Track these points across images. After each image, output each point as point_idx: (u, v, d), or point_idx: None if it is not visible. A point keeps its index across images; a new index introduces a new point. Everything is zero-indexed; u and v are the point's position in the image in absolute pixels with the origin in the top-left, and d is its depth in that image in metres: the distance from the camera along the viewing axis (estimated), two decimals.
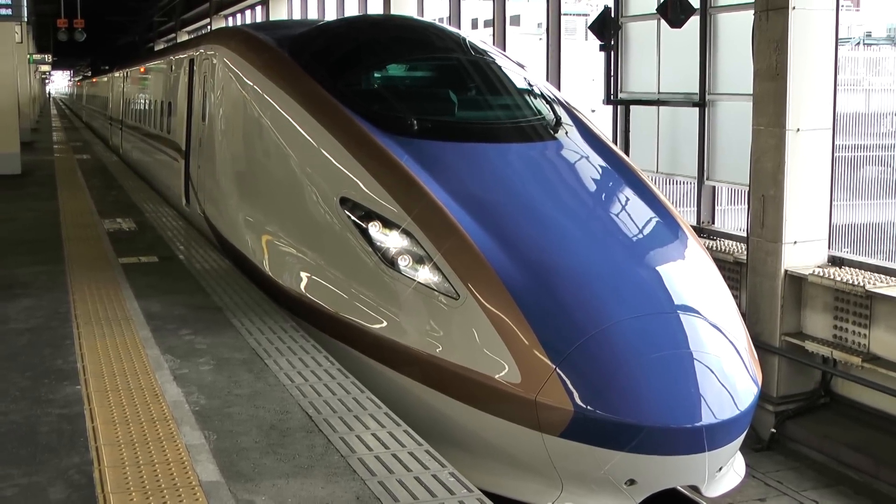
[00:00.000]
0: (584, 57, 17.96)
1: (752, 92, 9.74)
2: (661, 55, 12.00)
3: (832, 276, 9.09)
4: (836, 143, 9.71)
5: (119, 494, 3.87)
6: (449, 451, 4.88)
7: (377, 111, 7.15)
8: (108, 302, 7.00)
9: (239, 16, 33.91)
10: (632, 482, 5.23)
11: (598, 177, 7.20)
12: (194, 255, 8.69)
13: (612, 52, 12.56)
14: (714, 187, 11.44)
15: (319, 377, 5.35)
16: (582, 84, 16.96)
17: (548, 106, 7.73)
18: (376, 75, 8.06)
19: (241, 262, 7.85)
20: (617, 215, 6.77)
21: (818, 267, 9.47)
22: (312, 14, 26.34)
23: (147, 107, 15.71)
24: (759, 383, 5.75)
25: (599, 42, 12.61)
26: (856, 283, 8.84)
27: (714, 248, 10.49)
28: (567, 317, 5.50)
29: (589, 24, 13.34)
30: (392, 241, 6.15)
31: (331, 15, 24.14)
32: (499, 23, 16.06)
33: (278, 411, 4.83)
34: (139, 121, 16.95)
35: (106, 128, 26.68)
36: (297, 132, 7.34)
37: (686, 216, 10.45)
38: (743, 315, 7.62)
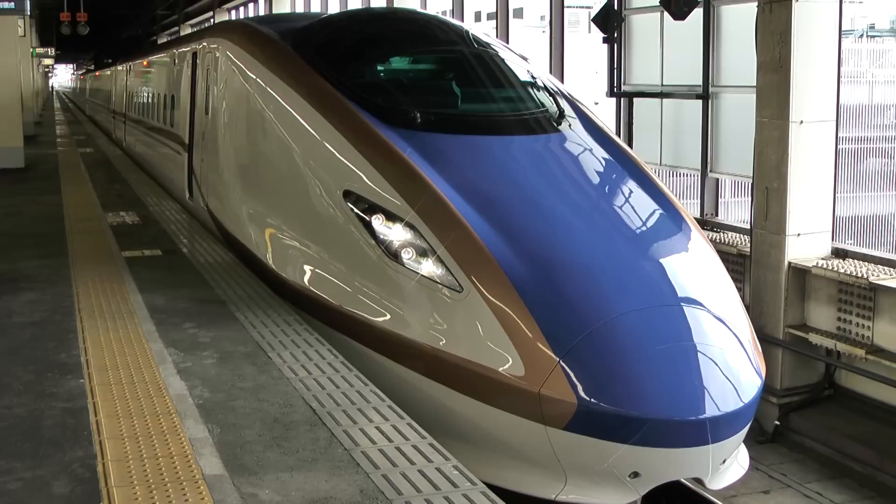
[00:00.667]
0: (587, 49, 17.90)
1: (755, 84, 9.72)
2: (665, 47, 11.98)
3: (836, 268, 9.08)
4: (839, 135, 9.70)
5: (123, 488, 3.87)
6: (453, 444, 4.88)
7: (380, 104, 7.14)
8: (112, 295, 7.00)
9: (242, 9, 33.88)
10: (635, 475, 5.22)
11: (601, 169, 7.19)
12: (198, 249, 8.69)
13: (616, 45, 12.53)
14: (717, 179, 11.42)
15: (323, 370, 5.35)
16: (585, 76, 16.91)
17: (551, 98, 7.72)
18: (379, 68, 8.05)
19: (245, 255, 7.85)
20: (620, 208, 6.76)
21: (822, 259, 9.46)
22: (315, 7, 26.31)
23: (150, 100, 15.70)
24: (763, 375, 5.75)
25: (603, 34, 12.58)
26: (859, 274, 8.83)
27: (718, 241, 10.48)
28: (571, 309, 5.50)
29: (592, 17, 13.32)
30: (395, 233, 6.14)
31: (334, 8, 24.11)
32: (502, 15, 16.04)
33: (282, 405, 4.84)
34: (142, 114, 16.95)
35: (109, 121, 26.68)
36: (301, 125, 7.34)
37: (689, 208, 10.46)
38: (747, 307, 7.63)
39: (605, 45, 12.66)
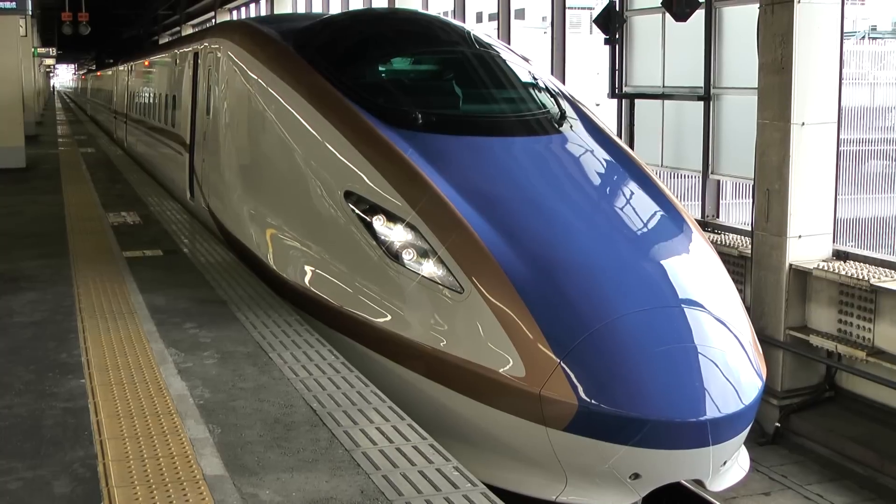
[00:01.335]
0: (588, 51, 17.91)
1: (756, 86, 9.72)
2: (666, 49, 11.97)
3: (837, 270, 9.08)
4: (840, 137, 9.69)
5: (123, 488, 3.87)
6: (453, 445, 4.88)
7: (382, 105, 7.14)
8: (113, 295, 7.00)
9: (243, 9, 33.87)
10: (636, 476, 5.22)
11: (602, 171, 7.19)
12: (199, 249, 8.70)
13: (617, 46, 12.53)
14: (719, 181, 11.42)
15: (324, 371, 5.35)
16: (587, 78, 16.91)
17: (552, 99, 7.72)
18: (381, 69, 8.05)
19: (246, 255, 7.85)
20: (621, 209, 6.76)
21: (823, 261, 9.46)
22: (317, 8, 26.31)
23: (151, 100, 15.71)
24: (764, 377, 5.74)
25: (604, 36, 12.58)
26: (860, 277, 8.83)
27: (719, 242, 10.48)
28: (571, 311, 5.50)
29: (594, 18, 13.31)
30: (396, 234, 6.15)
31: (335, 9, 24.11)
32: (503, 16, 16.04)
33: (283, 405, 4.84)
34: (144, 114, 16.95)
35: (110, 121, 26.69)
36: (302, 126, 7.34)
37: (690, 210, 10.46)
38: (747, 309, 7.64)
39: (607, 46, 12.66)
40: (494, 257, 5.75)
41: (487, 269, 5.72)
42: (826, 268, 9.20)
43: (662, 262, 6.17)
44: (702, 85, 11.19)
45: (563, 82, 13.48)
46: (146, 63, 17.90)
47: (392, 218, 6.23)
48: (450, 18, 15.18)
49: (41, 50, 41.46)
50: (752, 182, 9.95)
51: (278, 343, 5.85)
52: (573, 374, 5.18)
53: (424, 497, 3.86)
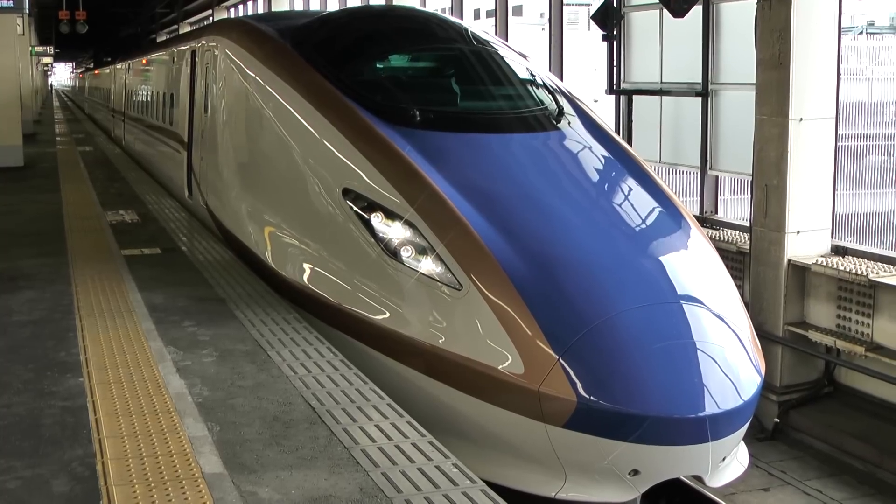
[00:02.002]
0: (586, 47, 17.91)
1: (754, 81, 9.72)
2: (664, 45, 11.97)
3: (835, 266, 9.08)
4: (838, 132, 9.69)
5: (122, 487, 3.87)
6: (452, 443, 4.88)
7: (380, 102, 7.14)
8: (111, 294, 7.00)
9: (241, 7, 33.85)
10: (635, 472, 5.22)
11: (600, 167, 7.19)
12: (197, 247, 8.69)
13: (615, 42, 12.53)
14: (717, 177, 11.42)
15: (322, 368, 5.35)
16: (584, 74, 16.91)
17: (550, 96, 7.72)
18: (379, 66, 8.04)
19: (244, 253, 7.84)
20: (620, 205, 6.75)
21: (821, 256, 9.47)
22: (314, 5, 26.29)
23: (149, 98, 15.70)
24: (763, 373, 5.74)
25: (602, 32, 12.58)
26: (859, 272, 8.84)
27: (717, 238, 10.48)
28: (570, 307, 5.49)
29: (591, 14, 13.31)
30: (395, 231, 6.14)
31: (332, 6, 24.10)
32: (501, 13, 16.03)
33: (281, 403, 4.83)
34: (142, 112, 16.94)
35: (108, 120, 26.68)
36: (300, 123, 7.33)
37: (689, 206, 10.44)
38: (746, 305, 7.63)
39: (605, 42, 12.65)
40: (493, 254, 5.74)
41: (486, 266, 5.71)
42: (825, 263, 9.20)
43: (661, 258, 6.17)
44: (700, 81, 11.19)
45: (561, 79, 13.47)
46: (144, 61, 17.88)
47: (390, 215, 6.23)
48: (447, 15, 15.17)
49: (39, 48, 41.44)
50: (750, 178, 9.95)
51: (277, 341, 5.85)
52: (572, 371, 5.18)
53: (423, 494, 3.86)
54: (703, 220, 11.11)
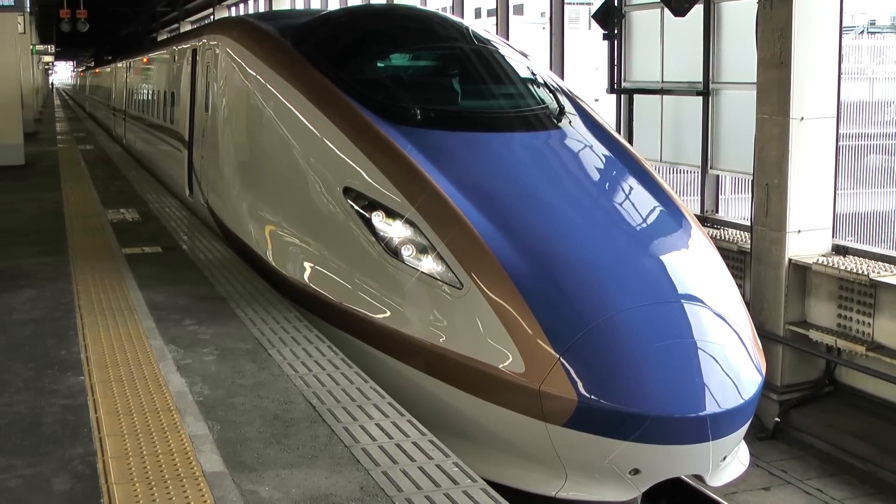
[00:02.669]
0: (587, 46, 17.91)
1: (755, 80, 9.71)
2: (665, 44, 11.96)
3: (836, 265, 9.08)
4: (839, 131, 9.68)
5: (123, 485, 3.87)
6: (453, 441, 4.88)
7: (380, 101, 7.14)
8: (112, 292, 7.00)
9: (242, 6, 33.84)
10: (636, 471, 5.22)
11: (601, 166, 7.18)
12: (198, 246, 8.69)
13: (616, 41, 12.52)
14: (718, 176, 11.41)
15: (323, 367, 5.35)
16: (585, 73, 16.91)
17: (551, 95, 7.72)
18: (379, 65, 8.04)
19: (245, 252, 7.84)
20: (620, 204, 6.75)
21: (822, 256, 9.46)
22: (315, 4, 26.29)
23: (150, 97, 15.70)
24: (764, 372, 5.74)
25: (603, 31, 12.57)
26: (860, 271, 8.83)
27: (718, 238, 10.48)
28: (571, 306, 5.49)
29: (592, 13, 13.30)
30: (395, 230, 6.14)
31: (333, 5, 24.10)
32: (502, 12, 16.02)
33: (282, 401, 4.83)
34: (142, 111, 16.95)
35: (109, 118, 26.67)
36: (301, 122, 7.33)
37: (690, 205, 10.43)
38: (747, 304, 7.64)
39: (606, 41, 12.65)
40: (494, 253, 5.74)
41: (487, 265, 5.71)
42: (825, 262, 9.20)
43: (662, 257, 6.17)
44: (701, 80, 11.18)
45: (562, 78, 13.47)
46: (145, 60, 17.88)
47: (391, 214, 6.23)
48: (448, 14, 15.16)
49: (40, 47, 41.37)
50: (751, 177, 9.94)
51: (277, 339, 5.85)
52: (573, 370, 5.17)
53: (424, 493, 3.86)
54: (703, 220, 11.11)
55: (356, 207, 6.42)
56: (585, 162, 7.16)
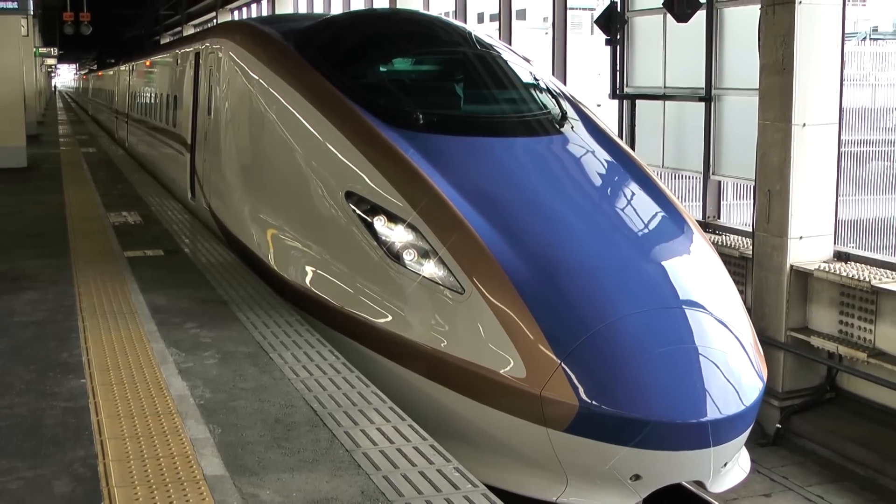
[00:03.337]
0: (589, 51, 17.94)
1: (758, 87, 9.72)
2: (668, 50, 11.97)
3: (838, 272, 9.08)
4: (841, 138, 9.69)
5: (124, 488, 3.87)
6: (454, 446, 4.88)
7: (383, 105, 7.14)
8: (114, 295, 7.00)
9: (245, 9, 33.87)
10: (637, 477, 5.22)
11: (603, 171, 7.19)
12: (200, 249, 8.70)
13: (619, 47, 12.53)
14: (720, 182, 11.42)
15: (324, 371, 5.35)
16: (588, 78, 16.95)
17: (553, 100, 7.72)
18: (382, 69, 8.05)
19: (247, 255, 7.85)
20: (622, 210, 6.76)
21: (824, 262, 9.46)
22: (318, 8, 26.32)
23: (153, 100, 15.71)
24: (765, 378, 5.74)
25: (605, 36, 12.58)
26: (861, 278, 8.83)
27: (720, 243, 10.48)
28: (572, 311, 5.49)
29: (595, 19, 13.32)
30: (397, 235, 6.14)
31: (336, 9, 24.11)
32: (504, 17, 16.04)
33: (283, 405, 4.83)
34: (145, 114, 16.96)
35: (112, 121, 26.70)
36: (303, 126, 7.34)
37: (692, 211, 10.45)
38: (748, 310, 7.62)
39: (608, 46, 12.65)
40: (495, 258, 5.75)
41: (488, 269, 5.71)
42: (827, 269, 9.20)
43: (663, 262, 6.17)
44: (703, 86, 11.19)
45: (565, 83, 13.47)
46: (147, 63, 17.90)
47: (393, 218, 6.23)
48: (451, 19, 15.18)
49: (43, 50, 41.49)
50: (753, 183, 9.95)
51: (279, 343, 5.85)
52: (574, 375, 5.17)
53: (425, 498, 3.86)
54: (705, 225, 11.11)
55: (358, 212, 6.42)
56: (587, 167, 7.16)
